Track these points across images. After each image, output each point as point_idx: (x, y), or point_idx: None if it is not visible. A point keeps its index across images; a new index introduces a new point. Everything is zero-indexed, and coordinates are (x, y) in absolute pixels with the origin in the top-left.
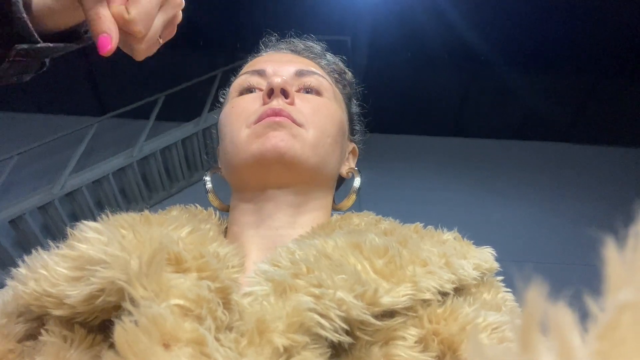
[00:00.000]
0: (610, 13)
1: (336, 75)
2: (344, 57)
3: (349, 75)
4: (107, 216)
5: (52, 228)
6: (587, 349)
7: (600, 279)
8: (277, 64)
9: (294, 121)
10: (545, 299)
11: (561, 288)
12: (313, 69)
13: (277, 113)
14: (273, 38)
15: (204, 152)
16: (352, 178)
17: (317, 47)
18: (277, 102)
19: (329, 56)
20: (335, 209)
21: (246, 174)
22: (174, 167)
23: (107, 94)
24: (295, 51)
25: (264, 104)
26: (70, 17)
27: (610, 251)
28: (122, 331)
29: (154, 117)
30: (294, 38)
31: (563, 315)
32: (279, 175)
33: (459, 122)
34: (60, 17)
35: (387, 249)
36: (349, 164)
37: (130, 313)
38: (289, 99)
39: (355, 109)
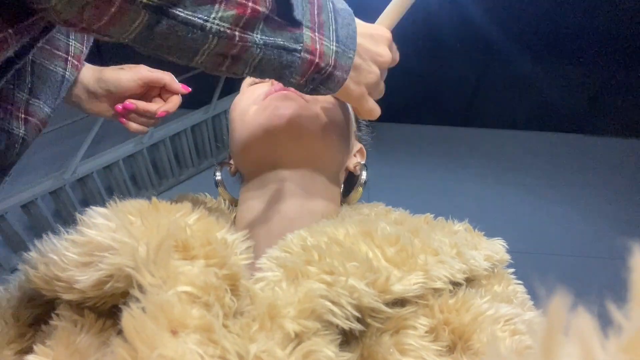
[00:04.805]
0: (628, 2)
1: None
2: None
3: None
4: (116, 202)
5: (63, 213)
6: None
7: (610, 272)
8: None
9: (301, 96)
10: (567, 307)
11: (573, 280)
12: None
13: (284, 88)
14: None
15: (213, 139)
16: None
17: None
18: None
19: None
20: (343, 202)
21: (256, 147)
22: (184, 154)
23: None
24: None
25: (272, 84)
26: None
27: (637, 259)
28: (129, 318)
29: None
30: None
31: (585, 323)
32: (288, 146)
33: (470, 112)
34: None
35: (399, 238)
36: (357, 160)
37: (137, 300)
38: None
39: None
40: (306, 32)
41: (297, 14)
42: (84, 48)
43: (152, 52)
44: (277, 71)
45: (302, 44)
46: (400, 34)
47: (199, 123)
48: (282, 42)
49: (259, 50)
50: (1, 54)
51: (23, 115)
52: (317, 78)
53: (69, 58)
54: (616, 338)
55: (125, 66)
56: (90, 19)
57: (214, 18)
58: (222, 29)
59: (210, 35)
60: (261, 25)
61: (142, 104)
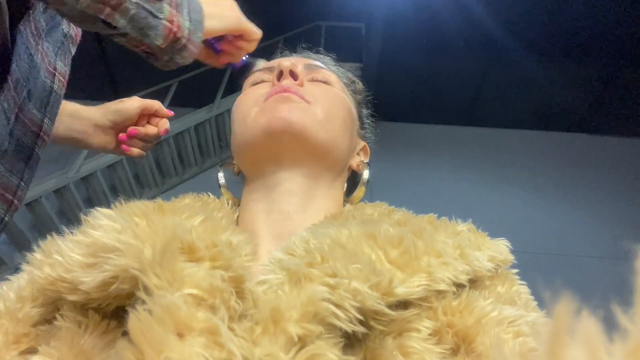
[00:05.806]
0: (632, 3)
1: (346, 81)
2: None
3: (360, 85)
4: (121, 203)
5: (67, 211)
6: None
7: (615, 271)
8: (288, 59)
9: (302, 98)
10: (573, 309)
11: (577, 280)
12: (322, 65)
13: (285, 90)
14: (287, 51)
15: (217, 138)
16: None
17: (329, 58)
18: (286, 82)
19: (340, 67)
20: (346, 201)
21: (257, 150)
22: (187, 153)
23: (120, 79)
24: (308, 57)
25: (274, 85)
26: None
27: None
28: (136, 320)
29: (168, 102)
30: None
31: (590, 327)
32: (290, 148)
33: (474, 111)
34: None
35: (402, 240)
36: (360, 158)
37: (144, 302)
38: (298, 81)
39: (365, 113)
40: (166, 6)
41: None
42: (68, 69)
43: None
44: (146, 30)
45: (163, 14)
46: (404, 33)
47: (203, 122)
48: (149, 8)
49: (132, 6)
50: None
51: (16, 110)
52: (175, 47)
53: (56, 74)
54: (622, 342)
55: (123, 99)
56: None
57: None
58: None
59: None
60: None
61: (143, 129)
